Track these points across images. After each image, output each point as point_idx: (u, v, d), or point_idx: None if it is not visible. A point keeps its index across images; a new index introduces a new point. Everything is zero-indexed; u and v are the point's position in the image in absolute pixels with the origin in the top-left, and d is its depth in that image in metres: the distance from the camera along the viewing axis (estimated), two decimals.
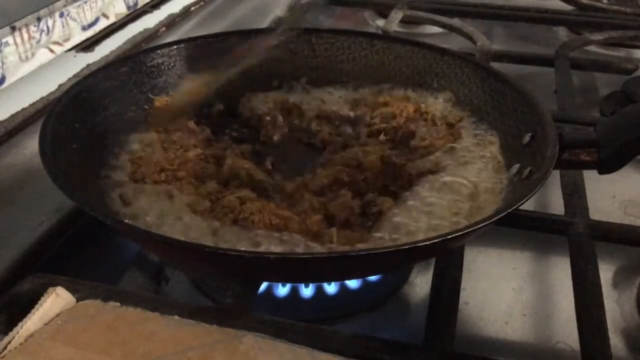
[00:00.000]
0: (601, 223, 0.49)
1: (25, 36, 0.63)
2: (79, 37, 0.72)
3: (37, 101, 0.59)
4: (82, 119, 0.48)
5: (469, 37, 0.82)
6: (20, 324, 0.32)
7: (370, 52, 0.61)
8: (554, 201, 0.54)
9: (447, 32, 0.88)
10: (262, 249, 0.41)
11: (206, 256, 0.37)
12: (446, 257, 0.44)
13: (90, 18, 0.73)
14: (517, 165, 0.47)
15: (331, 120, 0.58)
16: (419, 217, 0.44)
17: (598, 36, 0.86)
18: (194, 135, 0.54)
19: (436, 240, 0.36)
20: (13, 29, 0.61)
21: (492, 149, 0.51)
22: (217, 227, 0.43)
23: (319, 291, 0.47)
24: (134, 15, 0.80)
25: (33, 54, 0.65)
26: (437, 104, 0.57)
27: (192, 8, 0.86)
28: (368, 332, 0.45)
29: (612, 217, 0.51)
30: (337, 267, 0.37)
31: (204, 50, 0.59)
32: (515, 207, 0.38)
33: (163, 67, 0.57)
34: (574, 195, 0.52)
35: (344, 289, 0.47)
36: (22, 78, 0.63)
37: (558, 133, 0.45)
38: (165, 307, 0.36)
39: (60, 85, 0.62)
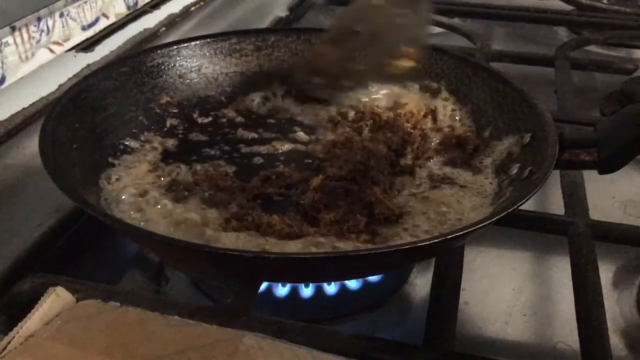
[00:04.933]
0: (601, 223, 0.49)
1: (25, 36, 0.63)
2: (79, 37, 0.72)
3: (37, 101, 0.59)
4: (82, 119, 0.48)
5: (469, 37, 0.82)
6: (20, 324, 0.32)
7: None
8: (554, 201, 0.54)
9: (447, 32, 0.88)
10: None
11: (206, 256, 0.37)
12: (446, 257, 0.44)
13: (90, 18, 0.73)
14: (517, 165, 0.47)
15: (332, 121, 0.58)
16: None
17: (598, 36, 0.86)
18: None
19: (436, 240, 0.36)
20: (13, 29, 0.61)
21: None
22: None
23: (319, 291, 0.47)
24: (134, 15, 0.80)
25: (33, 54, 0.65)
26: (437, 105, 0.57)
27: (192, 8, 0.86)
28: (368, 332, 0.45)
29: (612, 217, 0.51)
30: (337, 267, 0.37)
31: (203, 50, 0.59)
32: (515, 207, 0.38)
33: (163, 67, 0.57)
34: (574, 195, 0.52)
35: (344, 289, 0.47)
36: (22, 78, 0.63)
37: (558, 133, 0.45)
38: (165, 307, 0.36)
39: (60, 85, 0.62)
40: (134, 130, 0.53)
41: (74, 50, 0.69)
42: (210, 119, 0.58)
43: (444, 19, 0.88)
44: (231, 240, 0.42)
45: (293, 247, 0.41)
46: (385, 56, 0.55)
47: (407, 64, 0.55)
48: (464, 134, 0.53)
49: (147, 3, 0.83)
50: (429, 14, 0.56)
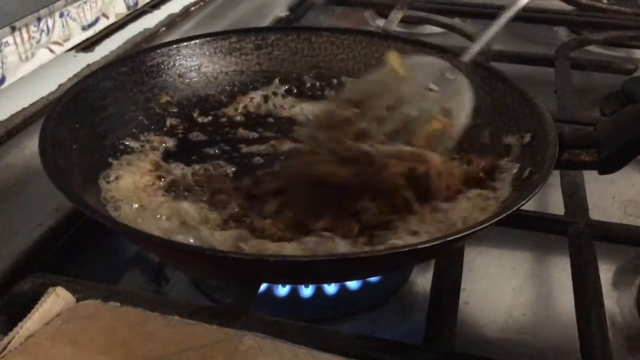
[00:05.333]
0: (601, 223, 0.49)
1: (25, 36, 0.63)
2: (79, 37, 0.72)
3: (37, 101, 0.59)
4: (82, 119, 0.48)
5: (469, 37, 0.82)
6: (20, 324, 0.32)
7: (370, 50, 0.61)
8: (554, 201, 0.54)
9: (447, 32, 0.88)
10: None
11: (206, 258, 0.37)
12: (446, 257, 0.44)
13: (90, 18, 0.73)
14: (517, 165, 0.47)
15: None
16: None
17: (598, 36, 0.86)
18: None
19: (436, 242, 0.36)
20: (13, 29, 0.61)
21: None
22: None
23: (319, 291, 0.47)
24: (134, 15, 0.80)
25: (33, 54, 0.65)
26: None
27: (192, 8, 0.86)
28: (368, 332, 0.45)
29: (612, 217, 0.51)
30: (337, 269, 0.37)
31: (203, 49, 0.59)
32: (515, 207, 0.38)
33: (163, 66, 0.57)
34: (574, 195, 0.52)
35: (344, 289, 0.47)
36: (22, 78, 0.63)
37: (558, 133, 0.45)
38: (165, 307, 0.36)
39: (60, 85, 0.62)
40: (134, 130, 0.53)
41: (74, 50, 0.69)
42: (210, 118, 0.58)
43: (444, 19, 0.88)
44: (225, 240, 0.42)
45: (289, 248, 0.41)
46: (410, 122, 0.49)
47: (435, 130, 0.49)
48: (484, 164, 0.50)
49: (147, 3, 0.83)
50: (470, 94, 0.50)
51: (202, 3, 0.88)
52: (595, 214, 0.50)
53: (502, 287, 0.49)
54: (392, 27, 0.86)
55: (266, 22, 0.88)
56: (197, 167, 0.51)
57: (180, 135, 0.55)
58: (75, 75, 0.64)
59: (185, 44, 0.59)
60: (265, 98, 0.60)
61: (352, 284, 0.47)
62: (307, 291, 0.46)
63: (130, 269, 0.48)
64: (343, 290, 0.47)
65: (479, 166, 0.48)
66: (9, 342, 0.31)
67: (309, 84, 0.61)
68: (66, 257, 0.47)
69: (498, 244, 0.53)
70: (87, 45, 0.71)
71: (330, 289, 0.47)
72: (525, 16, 0.93)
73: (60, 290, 0.34)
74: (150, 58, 0.56)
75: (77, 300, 0.35)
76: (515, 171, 0.47)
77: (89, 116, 0.49)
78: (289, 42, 0.62)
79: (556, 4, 0.98)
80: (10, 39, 0.61)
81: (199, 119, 0.57)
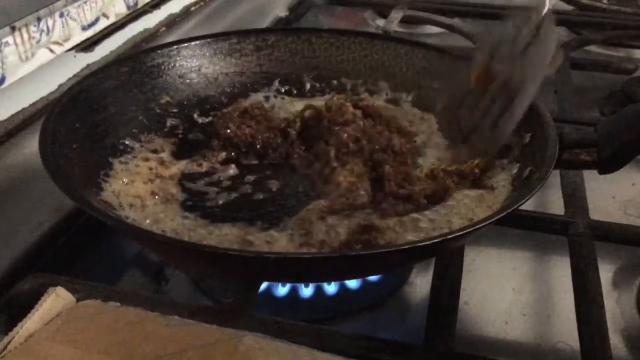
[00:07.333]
0: (601, 223, 0.49)
1: (25, 36, 0.63)
2: (79, 37, 0.72)
3: (37, 101, 0.59)
4: (82, 119, 0.48)
5: (469, 37, 0.82)
6: (20, 324, 0.32)
7: (370, 52, 0.61)
8: (554, 201, 0.54)
9: (447, 32, 0.88)
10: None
11: (206, 256, 0.37)
12: (446, 257, 0.44)
13: (90, 18, 0.73)
14: (517, 165, 0.47)
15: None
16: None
17: (598, 36, 0.86)
18: None
19: (436, 240, 0.36)
20: (13, 29, 0.61)
21: None
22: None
23: (319, 291, 0.47)
24: (134, 15, 0.80)
25: (33, 54, 0.65)
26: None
27: (192, 8, 0.86)
28: (368, 332, 0.45)
29: (612, 217, 0.51)
30: (337, 267, 0.37)
31: (203, 50, 0.59)
32: (515, 207, 0.38)
33: (163, 67, 0.57)
34: (574, 195, 0.52)
35: (344, 288, 0.47)
36: (22, 78, 0.63)
37: (558, 133, 0.45)
38: (165, 307, 0.36)
39: (60, 85, 0.62)
40: (134, 130, 0.53)
41: (74, 50, 0.69)
42: (210, 119, 0.58)
43: (444, 19, 0.88)
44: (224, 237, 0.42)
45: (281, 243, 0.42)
46: None
47: None
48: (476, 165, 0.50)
49: (147, 3, 0.83)
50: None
51: (202, 3, 0.88)
52: (595, 214, 0.50)
53: (502, 287, 0.49)
54: (392, 27, 0.86)
55: (266, 22, 0.88)
56: (196, 167, 0.51)
57: (180, 136, 0.55)
58: (75, 75, 0.64)
59: (185, 44, 0.59)
60: (266, 99, 0.60)
61: (352, 284, 0.47)
62: (307, 291, 0.46)
63: (130, 269, 0.48)
64: (343, 290, 0.47)
65: (472, 164, 0.48)
66: (9, 342, 0.31)
67: (309, 85, 0.62)
68: (66, 257, 0.47)
69: (498, 244, 0.53)
70: (87, 45, 0.71)
71: (330, 288, 0.47)
72: None
73: (60, 290, 0.34)
74: (151, 59, 0.56)
75: (77, 300, 0.35)
76: (515, 171, 0.47)
77: (89, 116, 0.49)
78: (289, 43, 0.62)
79: (556, 4, 0.98)
80: (10, 39, 0.61)
81: (199, 120, 0.57)
